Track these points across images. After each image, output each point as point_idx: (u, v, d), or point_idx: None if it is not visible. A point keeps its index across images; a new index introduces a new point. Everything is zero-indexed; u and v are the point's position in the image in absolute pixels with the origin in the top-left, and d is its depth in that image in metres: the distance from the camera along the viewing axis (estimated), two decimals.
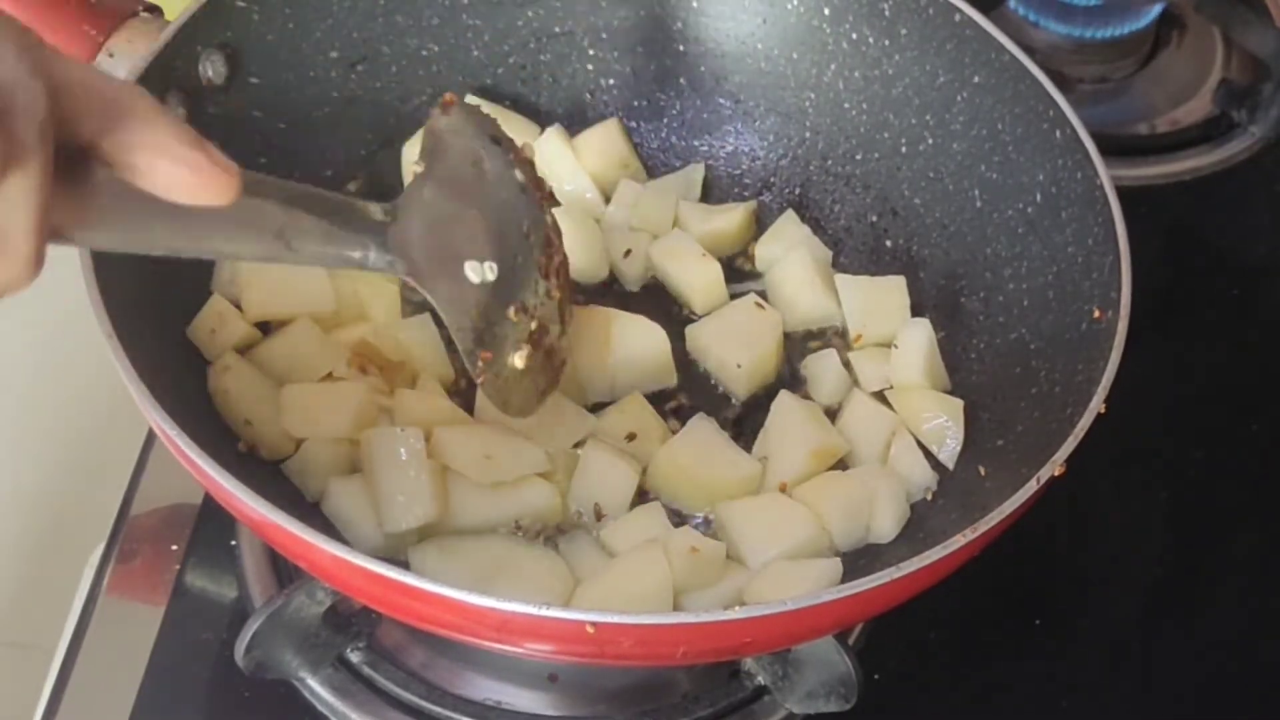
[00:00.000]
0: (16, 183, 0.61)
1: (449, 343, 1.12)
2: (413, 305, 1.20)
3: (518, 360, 1.04)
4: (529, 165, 1.06)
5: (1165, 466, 1.33)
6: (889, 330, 1.22)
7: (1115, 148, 1.43)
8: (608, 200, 1.32)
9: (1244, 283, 1.49)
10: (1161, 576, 1.28)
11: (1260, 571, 1.29)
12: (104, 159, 0.67)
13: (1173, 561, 1.28)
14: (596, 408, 1.18)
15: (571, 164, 1.31)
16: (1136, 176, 1.54)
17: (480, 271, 1.00)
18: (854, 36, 1.26)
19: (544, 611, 0.84)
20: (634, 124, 1.36)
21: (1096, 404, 0.97)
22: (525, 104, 1.33)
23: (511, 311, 1.03)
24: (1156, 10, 1.63)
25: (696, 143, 1.36)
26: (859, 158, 1.30)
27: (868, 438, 1.17)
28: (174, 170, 0.69)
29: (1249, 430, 1.37)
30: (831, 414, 1.20)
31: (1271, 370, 1.42)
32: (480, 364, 1.02)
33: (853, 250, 1.31)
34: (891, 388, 1.20)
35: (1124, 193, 1.09)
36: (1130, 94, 1.65)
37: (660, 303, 1.28)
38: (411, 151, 1.26)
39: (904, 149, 1.27)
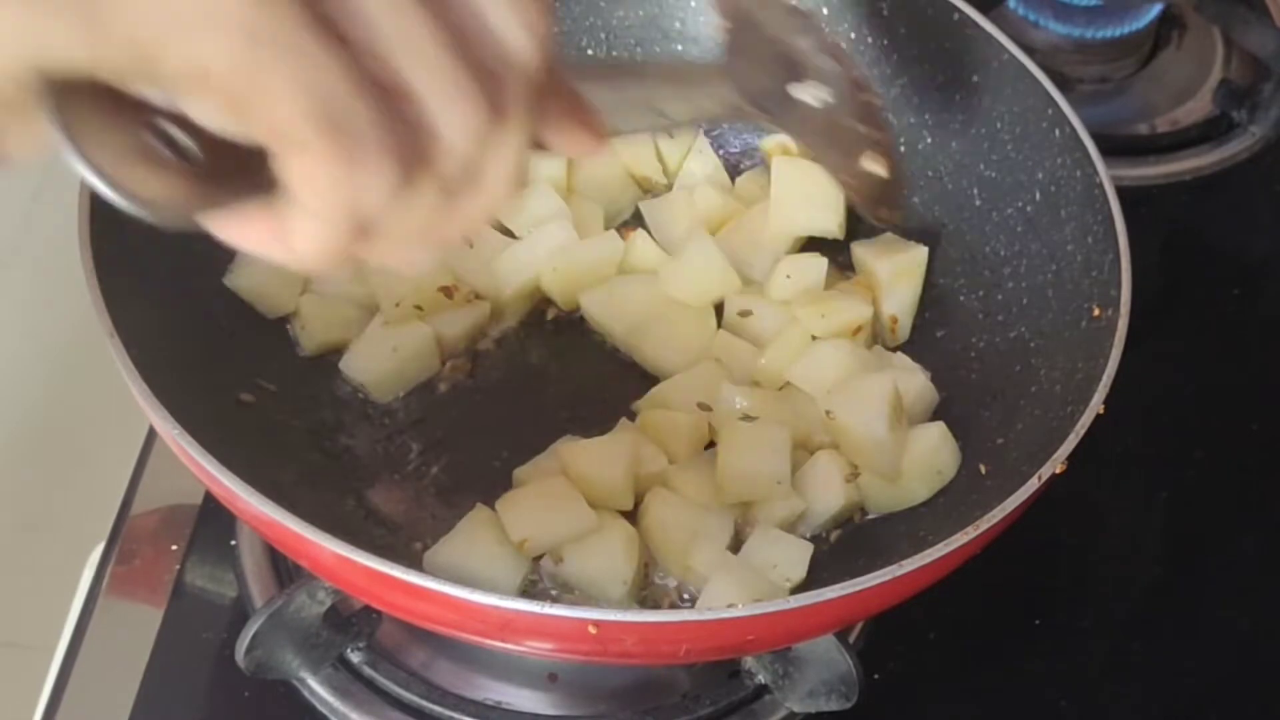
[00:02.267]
0: (515, 150, 0.65)
1: None
2: None
3: (878, 168, 1.05)
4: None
5: (1165, 466, 1.33)
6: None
7: (1115, 148, 1.43)
8: None
9: (1244, 283, 1.49)
10: (1161, 576, 1.28)
11: (1260, 571, 1.28)
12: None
13: (1173, 561, 1.28)
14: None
15: None
16: (1136, 176, 1.53)
17: (817, 95, 1.01)
18: (852, 36, 1.26)
19: (546, 610, 0.84)
20: None
21: (1098, 401, 0.97)
22: None
23: (855, 124, 1.04)
24: (1156, 10, 1.62)
25: None
26: None
27: None
28: (576, 145, 0.75)
29: (1249, 430, 1.36)
30: None
31: (1271, 370, 1.42)
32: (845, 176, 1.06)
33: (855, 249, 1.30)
34: None
35: (1124, 193, 1.09)
36: (1130, 94, 1.65)
37: None
38: None
39: (902, 148, 1.26)
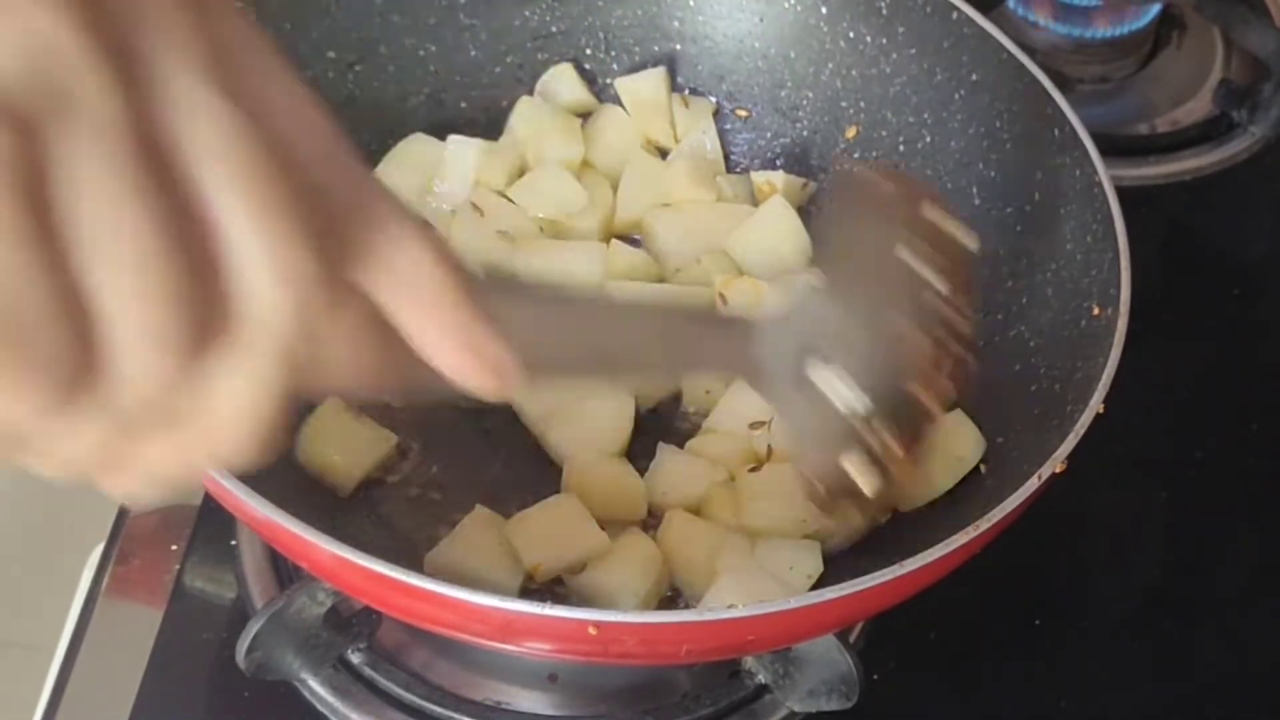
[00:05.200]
0: (244, 388, 0.52)
1: None
2: None
3: (860, 478, 0.84)
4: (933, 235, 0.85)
5: (1165, 466, 1.33)
6: None
7: (1115, 148, 1.43)
8: None
9: (1244, 283, 1.49)
10: (1161, 576, 1.28)
11: (1260, 571, 1.28)
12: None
13: (1173, 561, 1.28)
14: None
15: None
16: (1136, 176, 1.53)
17: (838, 388, 0.81)
18: (851, 35, 1.26)
19: (547, 611, 0.84)
20: None
21: (1098, 400, 0.97)
22: None
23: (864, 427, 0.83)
24: (1156, 10, 1.63)
25: None
26: (856, 156, 1.30)
27: None
28: (461, 373, 0.60)
29: (1249, 430, 1.36)
30: None
31: (1271, 370, 1.42)
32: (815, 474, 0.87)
33: None
34: None
35: (1124, 193, 1.09)
36: (1130, 94, 1.65)
37: None
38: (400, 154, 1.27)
39: (901, 147, 1.27)
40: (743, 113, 1.34)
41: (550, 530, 1.07)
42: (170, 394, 0.50)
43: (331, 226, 0.53)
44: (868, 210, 0.86)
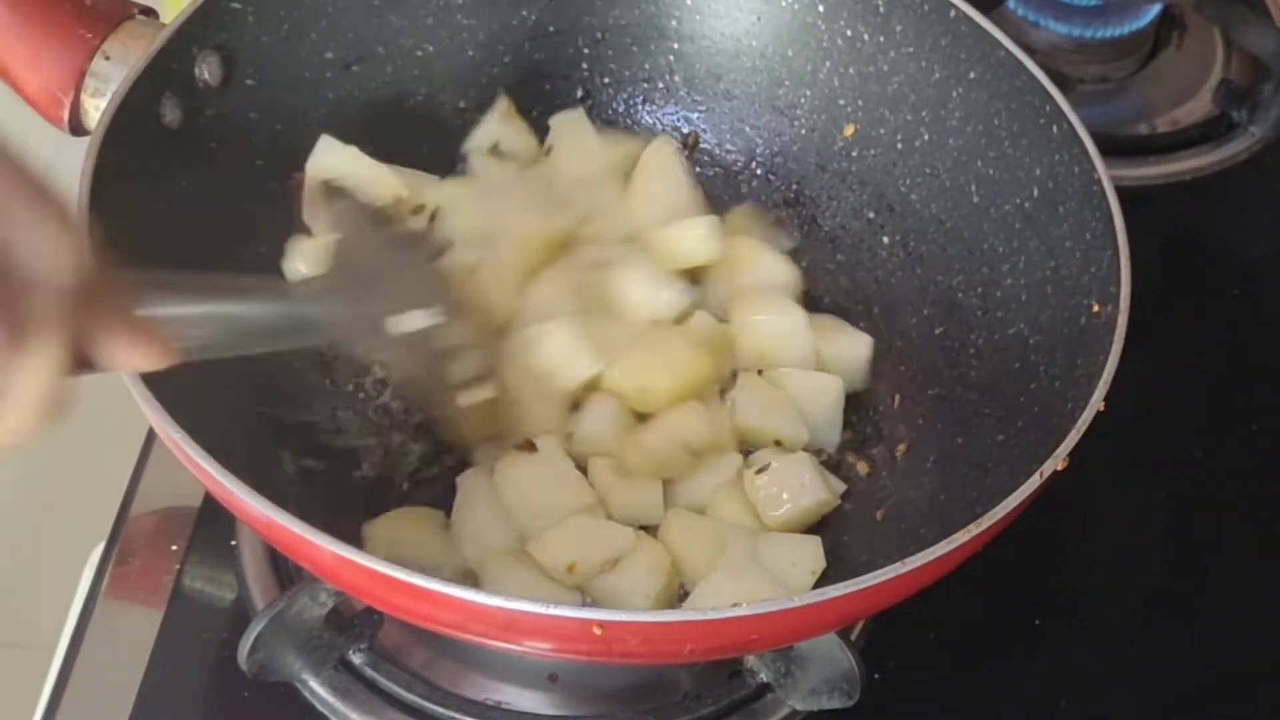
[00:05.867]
0: (31, 365, 0.63)
1: None
2: None
3: (463, 398, 1.09)
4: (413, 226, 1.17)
5: (1165, 466, 1.33)
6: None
7: (1115, 148, 1.43)
8: None
9: (1244, 283, 1.49)
10: (1161, 576, 1.28)
11: (1260, 571, 1.28)
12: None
13: (1173, 561, 1.28)
14: None
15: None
16: (1136, 176, 1.53)
17: (409, 323, 1.03)
18: (849, 33, 1.26)
19: (550, 610, 0.84)
20: (629, 122, 1.36)
21: (1098, 397, 0.97)
22: (520, 103, 1.33)
23: (444, 355, 1.07)
24: (1156, 10, 1.63)
25: None
26: (855, 154, 1.30)
27: None
28: (126, 361, 0.73)
29: (1249, 430, 1.37)
30: None
31: (1271, 370, 1.42)
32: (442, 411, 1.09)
33: (849, 247, 1.31)
34: None
35: (1124, 193, 1.09)
36: (1130, 94, 1.65)
37: None
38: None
39: (900, 145, 1.27)
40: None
41: (573, 536, 1.10)
42: None
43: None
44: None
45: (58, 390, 0.65)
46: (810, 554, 1.09)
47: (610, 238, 1.27)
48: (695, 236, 1.26)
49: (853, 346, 1.25)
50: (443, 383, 1.08)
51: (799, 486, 1.14)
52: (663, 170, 1.30)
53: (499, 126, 1.31)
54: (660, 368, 1.17)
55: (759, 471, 1.14)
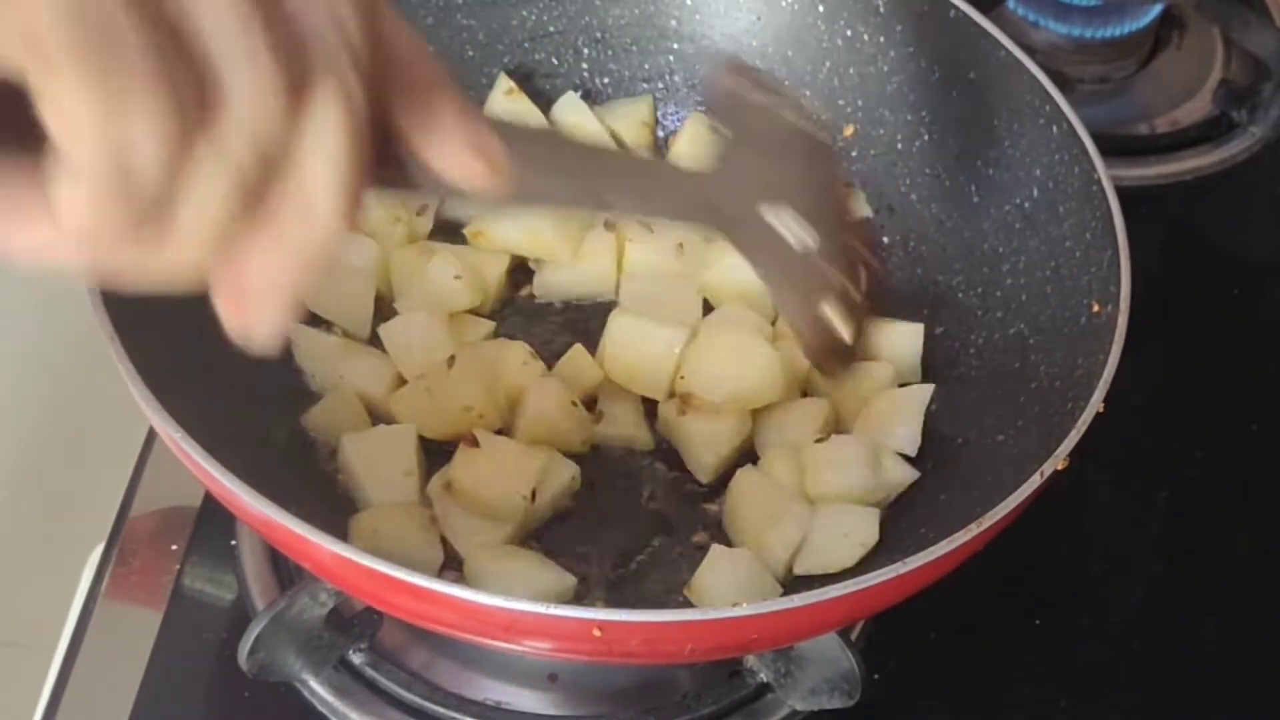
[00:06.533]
0: (334, 137, 0.56)
1: None
2: None
3: (841, 327, 0.98)
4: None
5: (1165, 466, 1.33)
6: None
7: (1115, 148, 1.43)
8: None
9: (1244, 283, 1.49)
10: (1161, 576, 1.28)
11: (1260, 571, 1.28)
12: (396, 132, 0.63)
13: (1173, 561, 1.28)
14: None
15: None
16: (1136, 176, 1.53)
17: (799, 236, 0.93)
18: (849, 33, 1.27)
19: (550, 610, 0.84)
20: None
21: (1099, 397, 0.97)
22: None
23: (824, 266, 0.97)
24: (1156, 10, 1.63)
25: None
26: (854, 154, 1.30)
27: None
28: (463, 169, 0.65)
29: (1249, 430, 1.37)
30: None
31: (1271, 370, 1.42)
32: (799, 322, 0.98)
33: None
34: None
35: (1124, 193, 1.09)
36: (1130, 94, 1.65)
37: None
38: None
39: (899, 145, 1.27)
40: None
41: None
42: (283, 134, 0.54)
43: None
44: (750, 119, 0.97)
45: (352, 185, 0.57)
46: (865, 527, 1.09)
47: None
48: None
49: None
50: (810, 291, 0.97)
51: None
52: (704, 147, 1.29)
53: (502, 103, 1.31)
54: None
55: (818, 440, 1.15)
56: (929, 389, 1.19)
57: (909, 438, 1.16)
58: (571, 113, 1.32)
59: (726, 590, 1.06)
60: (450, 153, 0.64)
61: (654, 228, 1.25)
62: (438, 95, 0.63)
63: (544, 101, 1.33)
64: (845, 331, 0.97)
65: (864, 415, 1.18)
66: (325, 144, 0.55)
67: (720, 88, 1.00)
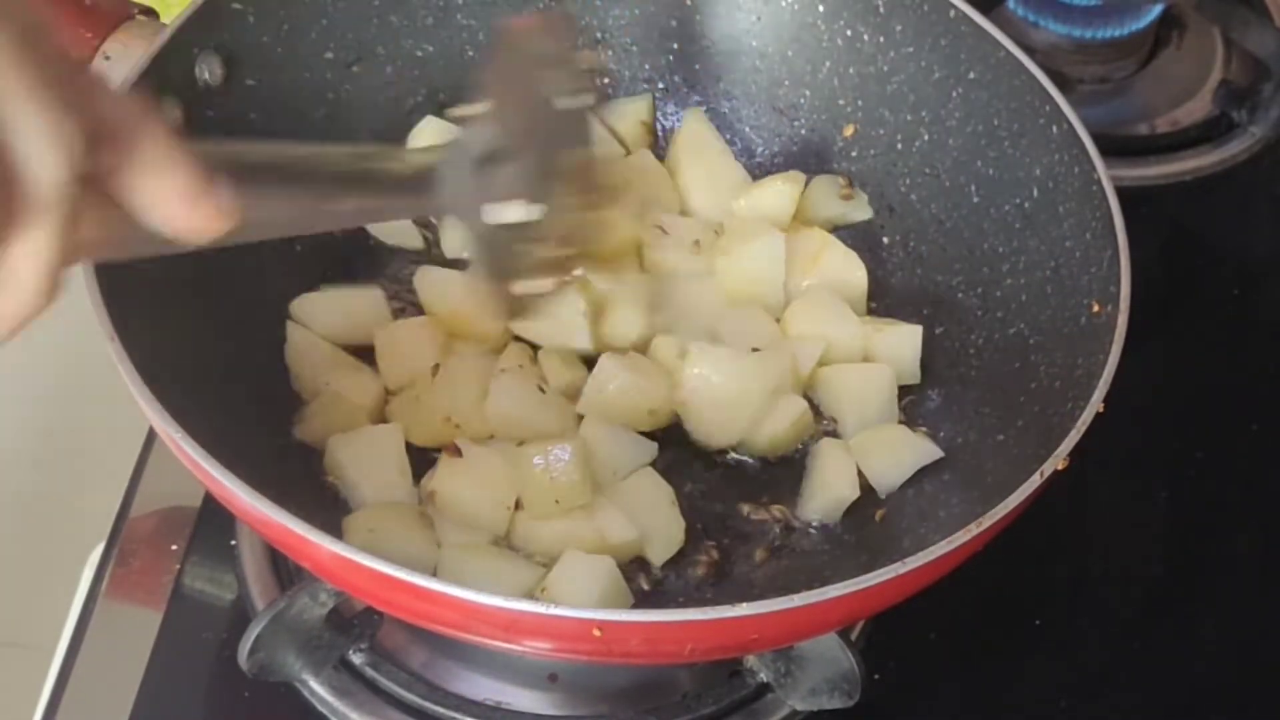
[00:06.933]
0: (33, 235, 0.63)
1: None
2: None
3: (541, 287, 1.05)
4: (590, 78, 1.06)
5: (1165, 466, 1.33)
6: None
7: (1115, 148, 1.43)
8: None
9: (1244, 283, 1.49)
10: (1161, 576, 1.28)
11: (1260, 571, 1.28)
12: (108, 189, 0.69)
13: (1173, 561, 1.28)
14: None
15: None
16: (1136, 176, 1.53)
17: (519, 212, 0.98)
18: (849, 33, 1.27)
19: (551, 611, 0.84)
20: None
21: (1099, 396, 0.97)
22: None
23: (544, 246, 1.03)
24: (1156, 10, 1.62)
25: None
26: (854, 154, 1.30)
27: None
28: (175, 218, 0.70)
29: (1249, 430, 1.37)
30: None
31: (1271, 370, 1.42)
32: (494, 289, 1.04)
33: (848, 247, 1.30)
34: None
35: (1124, 193, 1.09)
36: (1130, 94, 1.65)
37: None
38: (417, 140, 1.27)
39: (900, 145, 1.27)
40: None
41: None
42: None
43: (89, 123, 0.64)
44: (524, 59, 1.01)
45: (54, 274, 0.65)
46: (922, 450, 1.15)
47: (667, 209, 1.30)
48: (776, 192, 1.28)
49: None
50: (513, 265, 1.03)
51: None
52: (704, 143, 1.32)
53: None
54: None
55: None
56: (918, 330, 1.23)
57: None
58: None
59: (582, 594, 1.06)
60: (159, 203, 0.69)
61: (663, 229, 1.26)
62: (142, 147, 0.68)
63: None
64: (539, 289, 1.05)
65: None
66: (24, 265, 0.64)
67: (507, 35, 1.02)
